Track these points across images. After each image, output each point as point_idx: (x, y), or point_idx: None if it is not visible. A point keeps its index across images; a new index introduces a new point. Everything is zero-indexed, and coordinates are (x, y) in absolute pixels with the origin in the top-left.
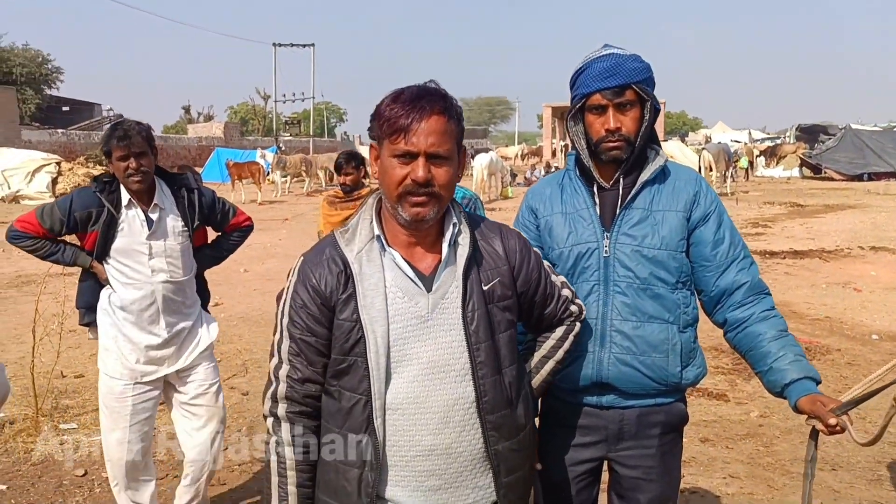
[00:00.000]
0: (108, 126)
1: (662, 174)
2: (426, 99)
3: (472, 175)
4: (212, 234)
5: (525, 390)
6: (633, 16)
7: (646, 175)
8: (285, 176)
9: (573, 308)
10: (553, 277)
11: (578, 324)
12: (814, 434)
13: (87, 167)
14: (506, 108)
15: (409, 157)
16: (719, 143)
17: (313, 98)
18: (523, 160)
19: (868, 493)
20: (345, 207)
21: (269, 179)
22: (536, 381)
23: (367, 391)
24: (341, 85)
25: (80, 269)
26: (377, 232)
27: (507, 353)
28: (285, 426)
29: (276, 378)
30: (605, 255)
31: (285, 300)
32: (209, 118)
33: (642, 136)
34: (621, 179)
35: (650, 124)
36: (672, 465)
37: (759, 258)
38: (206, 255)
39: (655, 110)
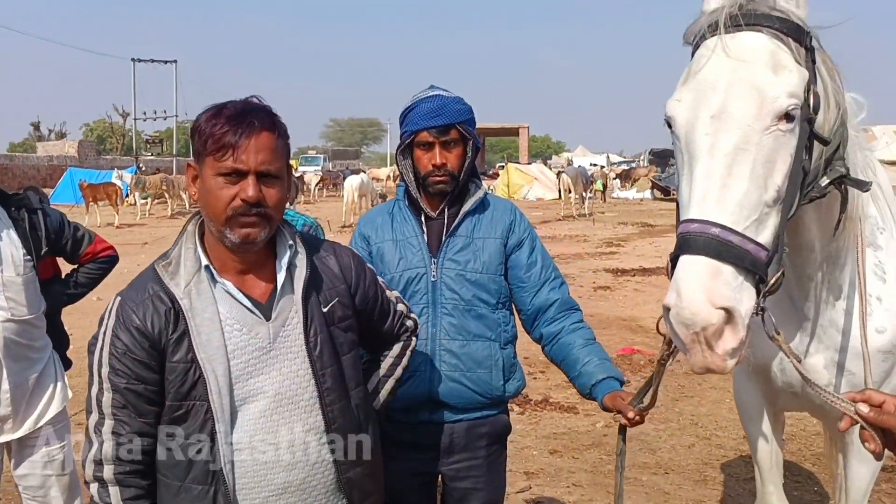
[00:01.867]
0: None
1: (482, 205)
2: (253, 114)
3: (343, 196)
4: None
5: (373, 412)
6: (504, 39)
7: (467, 206)
8: (145, 197)
9: (409, 323)
10: (388, 293)
11: (414, 339)
12: (621, 429)
13: None
14: (378, 130)
15: (237, 175)
16: (578, 166)
17: (176, 116)
18: (395, 181)
19: (695, 494)
20: None
21: (127, 201)
22: (377, 402)
23: (210, 435)
24: (206, 102)
25: None
26: (204, 261)
27: (352, 375)
28: (113, 490)
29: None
30: (432, 279)
31: (102, 347)
32: (62, 135)
33: (465, 172)
34: (446, 210)
35: (472, 160)
36: (498, 473)
37: (612, 276)
38: (56, 291)
39: (476, 148)
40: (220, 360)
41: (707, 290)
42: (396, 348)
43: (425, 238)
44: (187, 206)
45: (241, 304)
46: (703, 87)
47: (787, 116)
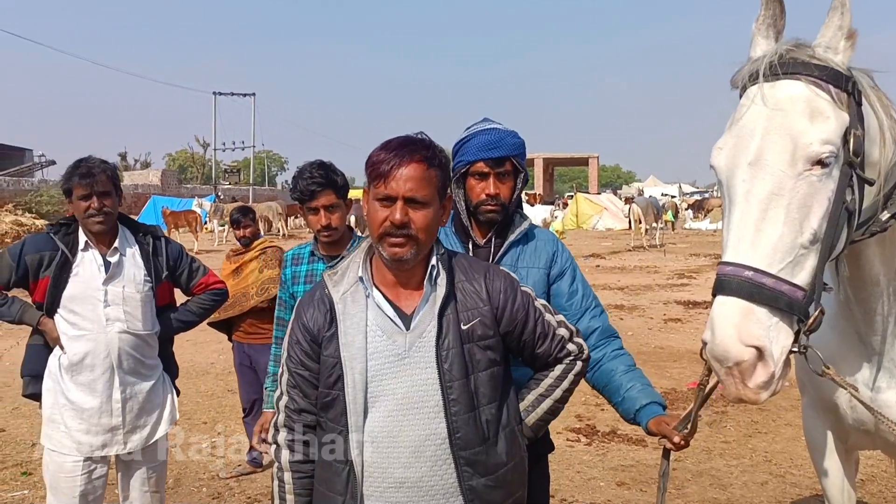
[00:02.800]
0: (71, 163)
1: (526, 236)
2: (409, 147)
3: None
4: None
5: (510, 428)
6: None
7: (513, 236)
8: (223, 224)
9: (571, 347)
10: (548, 317)
11: (580, 363)
12: (665, 452)
13: (16, 215)
14: None
15: (388, 200)
16: (649, 196)
17: (253, 147)
18: None
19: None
20: (236, 260)
21: (206, 228)
22: (531, 419)
23: (345, 424)
24: (283, 134)
25: (29, 329)
26: (361, 273)
27: (486, 392)
28: (284, 453)
29: (278, 408)
30: None
31: (287, 337)
32: (146, 165)
33: (514, 203)
34: (493, 239)
35: (520, 192)
36: (543, 489)
37: (683, 308)
38: (170, 317)
39: (525, 180)
40: (359, 359)
41: (738, 329)
42: (557, 369)
43: None
44: (262, 233)
45: (385, 313)
46: (742, 135)
47: (821, 162)
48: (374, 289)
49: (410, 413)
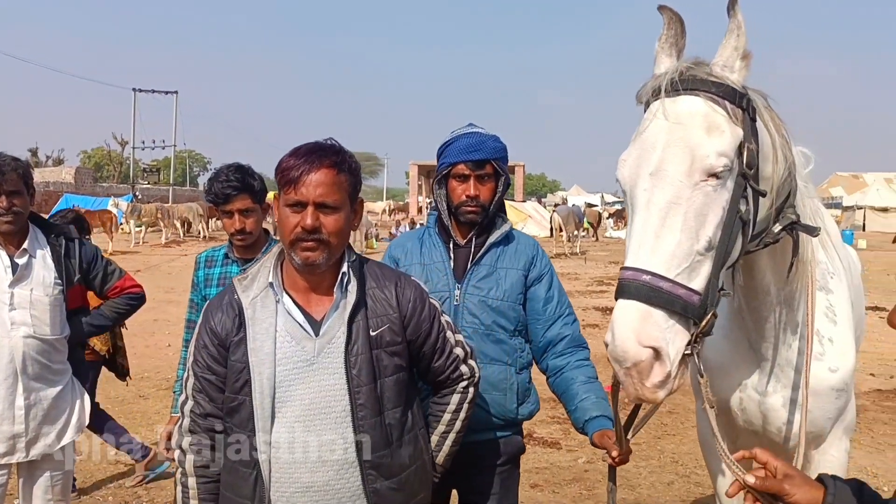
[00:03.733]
0: None
1: (507, 238)
2: (318, 153)
3: None
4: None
5: (414, 432)
6: (501, 79)
7: (493, 237)
8: (140, 225)
9: (463, 368)
10: (449, 334)
11: (472, 389)
12: (610, 468)
13: None
14: (375, 164)
15: (299, 206)
16: (572, 205)
17: (174, 146)
18: (390, 216)
19: None
20: None
21: (121, 228)
22: (441, 457)
23: (252, 429)
24: (207, 134)
25: None
26: (271, 279)
27: (391, 396)
28: (189, 458)
29: (183, 413)
30: (455, 303)
31: (193, 341)
32: (59, 162)
33: (495, 205)
34: (474, 239)
35: (501, 195)
36: (511, 490)
37: (600, 314)
38: (81, 321)
39: (507, 184)
40: (267, 365)
41: (636, 331)
42: (454, 402)
43: (452, 264)
44: (181, 234)
45: (295, 319)
46: (645, 147)
47: (716, 174)
48: (284, 294)
49: (317, 418)
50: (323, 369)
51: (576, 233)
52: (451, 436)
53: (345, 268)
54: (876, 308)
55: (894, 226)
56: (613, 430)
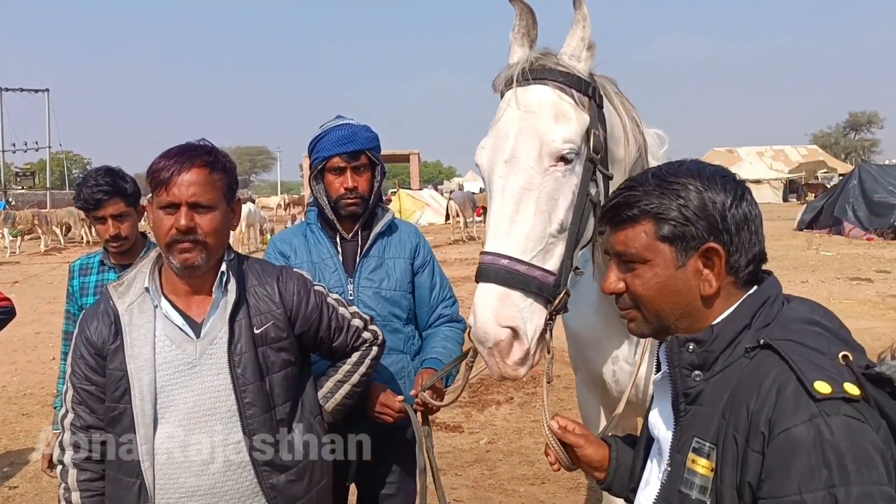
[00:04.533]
0: None
1: (390, 228)
2: (189, 153)
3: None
4: None
5: (306, 421)
6: (388, 66)
7: (377, 228)
8: (15, 234)
9: (366, 335)
10: (342, 310)
11: (376, 348)
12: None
13: None
14: (267, 158)
15: (172, 207)
16: (467, 191)
17: (49, 147)
18: (286, 210)
19: (567, 501)
20: None
21: None
22: (331, 405)
23: (134, 438)
24: (85, 133)
25: None
26: (147, 284)
27: (280, 392)
28: (72, 472)
29: (63, 427)
30: (350, 297)
31: (71, 352)
32: None
33: (374, 195)
34: (360, 232)
35: (379, 185)
36: (409, 478)
37: None
38: None
39: (383, 173)
40: (146, 371)
41: (495, 312)
42: (355, 356)
43: (340, 259)
44: (62, 241)
45: (174, 322)
46: (500, 135)
47: (564, 159)
48: (162, 298)
49: (202, 421)
50: (206, 371)
51: (471, 219)
52: (346, 387)
53: (223, 267)
54: None
55: (767, 196)
56: (435, 371)
